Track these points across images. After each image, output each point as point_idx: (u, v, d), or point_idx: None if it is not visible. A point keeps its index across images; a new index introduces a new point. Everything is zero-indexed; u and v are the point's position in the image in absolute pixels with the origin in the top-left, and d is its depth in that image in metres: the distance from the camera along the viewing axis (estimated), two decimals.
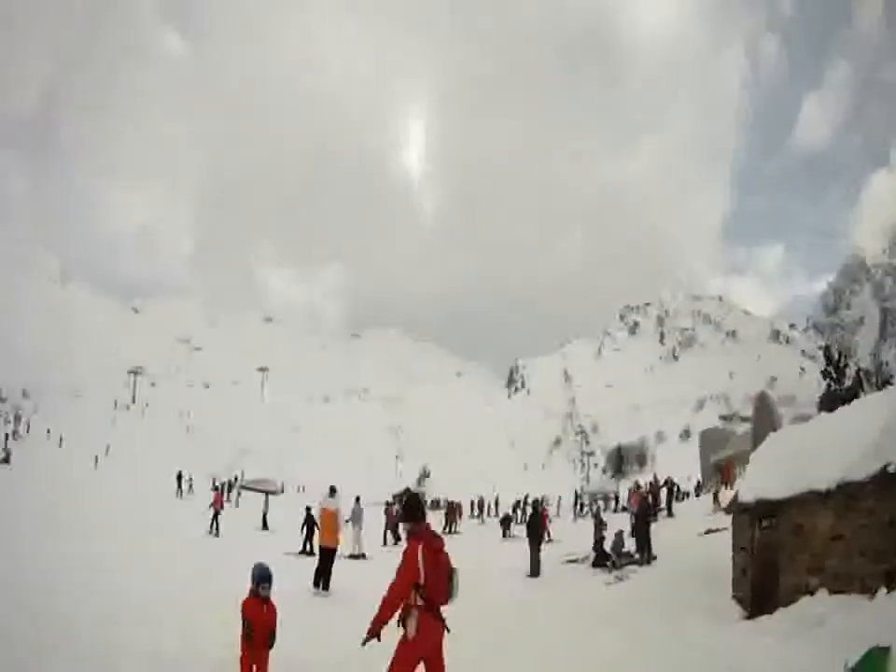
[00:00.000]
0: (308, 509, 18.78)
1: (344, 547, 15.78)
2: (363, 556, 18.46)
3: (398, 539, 22.99)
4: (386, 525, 24.73)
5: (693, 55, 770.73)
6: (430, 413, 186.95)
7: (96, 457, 47.22)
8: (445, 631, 4.74)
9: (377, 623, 4.55)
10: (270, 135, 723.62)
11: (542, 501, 36.90)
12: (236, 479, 52.21)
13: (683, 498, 34.29)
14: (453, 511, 32.29)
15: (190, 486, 36.25)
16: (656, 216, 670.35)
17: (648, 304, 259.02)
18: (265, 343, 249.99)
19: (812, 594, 8.59)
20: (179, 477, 35.72)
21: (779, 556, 9.60)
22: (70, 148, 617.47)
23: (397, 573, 4.65)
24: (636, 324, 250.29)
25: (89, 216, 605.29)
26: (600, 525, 18.91)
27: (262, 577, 5.55)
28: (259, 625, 5.40)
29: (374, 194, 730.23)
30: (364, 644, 4.47)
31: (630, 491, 30.10)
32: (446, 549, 4.88)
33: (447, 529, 29.25)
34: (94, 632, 7.13)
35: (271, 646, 5.53)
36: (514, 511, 36.15)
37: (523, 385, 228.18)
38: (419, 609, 4.54)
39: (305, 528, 18.16)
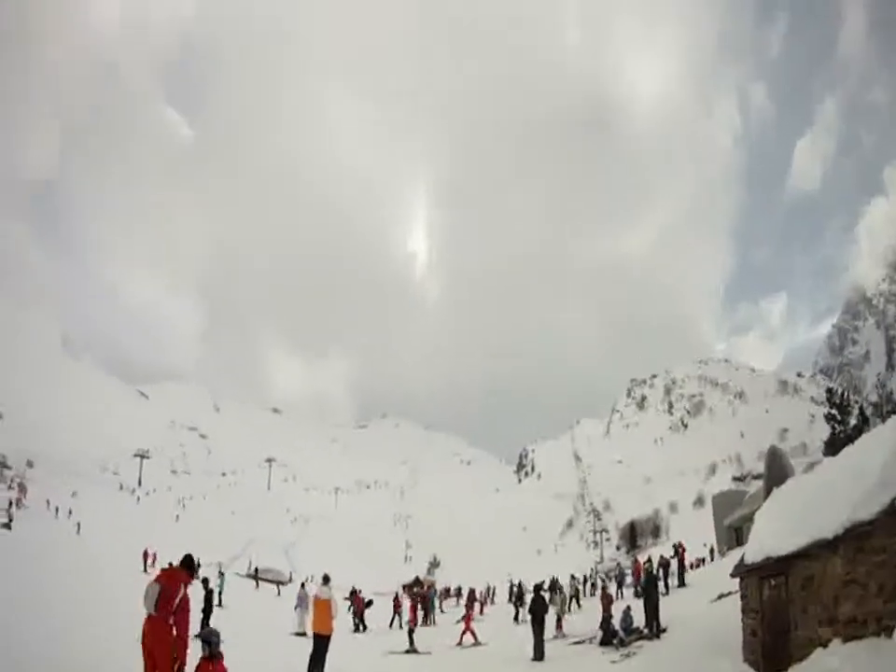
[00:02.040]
0: (302, 584, 21.60)
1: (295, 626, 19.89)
2: (304, 634, 19.34)
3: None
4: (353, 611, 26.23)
5: (686, 119, 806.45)
6: (439, 501, 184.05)
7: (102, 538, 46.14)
8: None
9: None
10: (277, 226, 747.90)
11: (554, 584, 35.68)
12: (256, 570, 51.08)
13: (699, 565, 33.14)
14: (472, 598, 33.05)
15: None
16: (660, 286, 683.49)
17: (654, 376, 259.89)
18: (272, 433, 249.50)
19: (825, 646, 8.04)
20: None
21: (790, 613, 9.10)
22: (82, 225, 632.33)
23: None
24: (643, 397, 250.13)
25: (98, 294, 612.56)
26: (607, 603, 18.50)
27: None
28: None
29: (379, 285, 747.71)
30: None
31: (633, 563, 29.35)
32: None
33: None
34: None
35: None
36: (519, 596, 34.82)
37: (532, 470, 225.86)
38: None
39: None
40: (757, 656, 9.78)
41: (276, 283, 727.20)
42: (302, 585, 23.78)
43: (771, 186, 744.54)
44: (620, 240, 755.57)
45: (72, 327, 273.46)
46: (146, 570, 32.91)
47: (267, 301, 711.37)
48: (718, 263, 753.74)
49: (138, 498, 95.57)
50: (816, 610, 8.50)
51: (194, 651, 6.80)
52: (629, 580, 32.04)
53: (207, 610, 17.70)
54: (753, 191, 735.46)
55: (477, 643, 19.49)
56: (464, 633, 20.40)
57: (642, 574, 28.47)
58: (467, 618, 21.64)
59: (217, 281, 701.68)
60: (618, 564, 48.17)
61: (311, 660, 12.30)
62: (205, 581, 18.95)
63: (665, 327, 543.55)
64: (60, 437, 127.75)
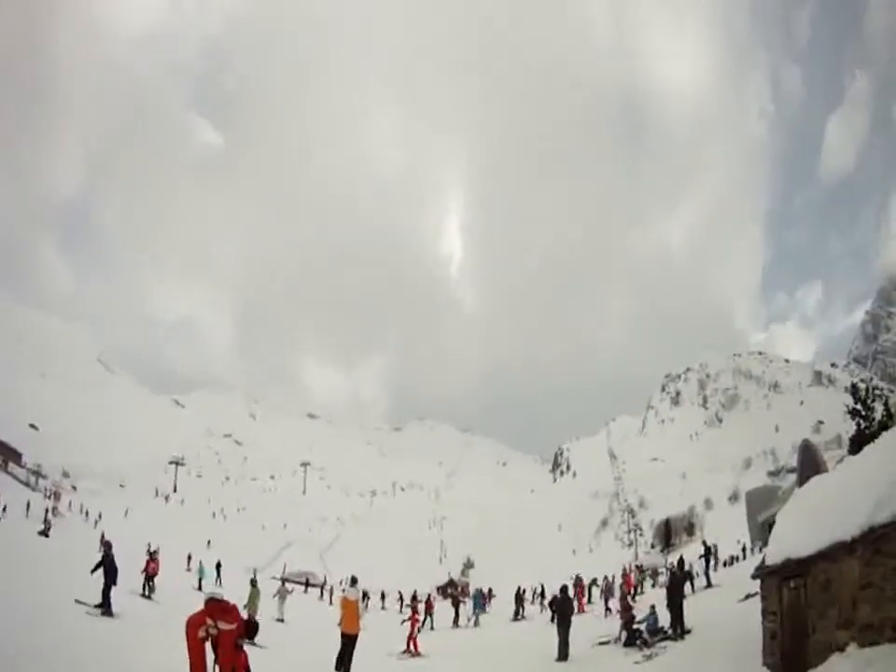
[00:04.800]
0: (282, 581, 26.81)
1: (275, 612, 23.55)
2: (282, 620, 23.04)
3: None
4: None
5: (718, 107, 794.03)
6: (474, 503, 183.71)
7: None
8: None
9: None
10: (311, 229, 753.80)
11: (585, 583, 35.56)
12: (283, 577, 51.70)
13: (732, 563, 32.78)
14: (520, 599, 32.84)
15: (218, 575, 34.63)
16: (695, 279, 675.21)
17: (688, 370, 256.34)
18: (308, 438, 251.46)
19: (842, 650, 7.93)
20: (218, 566, 34.93)
21: (809, 616, 8.99)
22: (113, 235, 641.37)
23: None
24: (678, 393, 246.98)
25: (132, 306, 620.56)
26: (628, 605, 18.42)
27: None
28: None
29: (414, 287, 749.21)
30: None
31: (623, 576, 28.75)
32: None
33: (518, 616, 31.05)
34: None
35: None
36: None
37: (568, 469, 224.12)
38: None
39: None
40: (776, 660, 9.70)
41: (309, 288, 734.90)
42: (283, 582, 29.04)
43: (805, 170, 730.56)
44: (653, 234, 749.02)
45: (106, 339, 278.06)
46: (188, 569, 34.87)
47: (300, 307, 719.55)
48: (753, 252, 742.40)
49: (172, 504, 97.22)
50: (834, 614, 8.38)
51: None
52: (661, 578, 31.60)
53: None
54: (788, 176, 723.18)
55: (417, 654, 17.67)
56: (409, 640, 18.32)
57: (632, 589, 28.37)
58: (412, 621, 18.85)
59: (250, 289, 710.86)
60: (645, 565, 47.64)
61: (338, 658, 12.86)
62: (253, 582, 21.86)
63: (700, 319, 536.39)
64: (94, 447, 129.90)
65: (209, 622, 7.26)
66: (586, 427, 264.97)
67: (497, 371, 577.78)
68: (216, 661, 7.37)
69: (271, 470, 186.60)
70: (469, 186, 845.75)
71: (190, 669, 7.19)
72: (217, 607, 7.40)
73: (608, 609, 26.36)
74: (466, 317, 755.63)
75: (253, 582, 21.76)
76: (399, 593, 44.97)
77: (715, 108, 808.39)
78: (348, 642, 12.95)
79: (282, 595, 25.28)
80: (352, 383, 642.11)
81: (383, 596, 44.85)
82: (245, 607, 18.77)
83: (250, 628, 7.97)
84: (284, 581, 36.68)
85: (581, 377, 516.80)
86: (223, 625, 7.31)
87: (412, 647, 18.03)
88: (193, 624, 7.25)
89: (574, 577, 32.56)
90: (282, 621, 22.90)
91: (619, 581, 32.56)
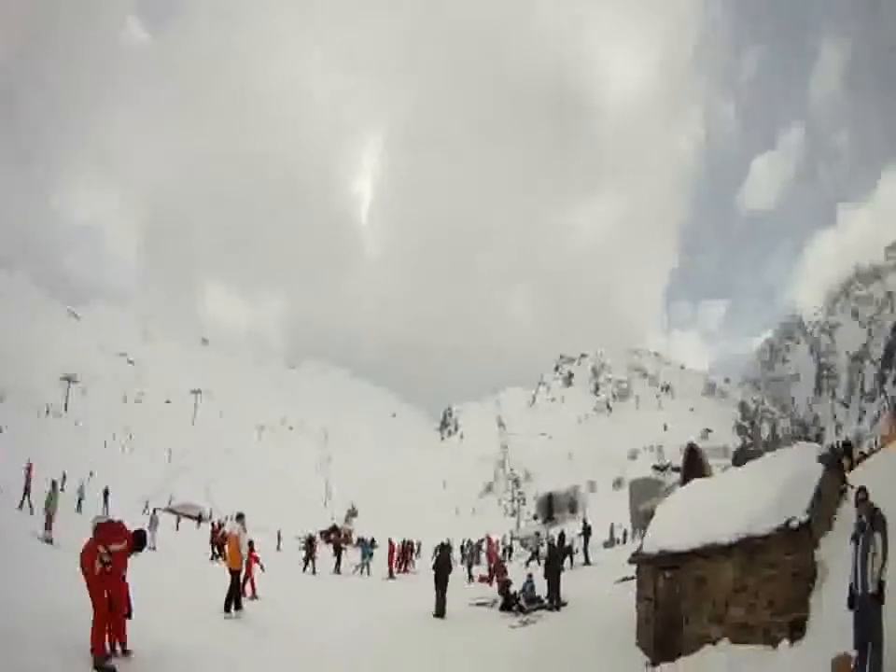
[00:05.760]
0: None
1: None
2: (154, 549, 21.88)
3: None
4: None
5: (652, 119, 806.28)
6: (363, 450, 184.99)
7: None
8: None
9: None
10: (228, 147, 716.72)
11: (479, 543, 36.74)
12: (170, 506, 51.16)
13: (613, 545, 34.69)
14: (406, 551, 31.93)
15: (105, 502, 33.72)
16: (602, 269, 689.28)
17: (584, 356, 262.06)
18: (201, 365, 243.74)
19: (715, 643, 8.76)
20: (106, 493, 34.04)
21: (682, 606, 9.78)
22: (31, 124, 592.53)
23: None
24: (570, 374, 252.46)
25: (40, 205, 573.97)
26: (503, 570, 19.47)
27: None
28: None
29: (322, 223, 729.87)
30: None
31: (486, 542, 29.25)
32: None
33: (401, 569, 29.63)
34: None
35: None
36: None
37: (456, 430, 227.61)
38: None
39: None
40: (649, 643, 10.49)
41: (218, 208, 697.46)
42: (154, 511, 28.79)
43: (725, 199, 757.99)
44: (567, 220, 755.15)
45: (7, 236, 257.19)
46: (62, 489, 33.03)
47: (208, 227, 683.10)
48: (662, 261, 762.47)
49: (64, 423, 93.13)
50: (708, 608, 9.20)
51: None
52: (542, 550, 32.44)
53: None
54: (707, 200, 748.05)
55: (255, 597, 15.42)
56: (245, 580, 14.98)
57: (496, 557, 28.93)
58: (249, 564, 15.45)
59: (159, 201, 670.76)
60: (537, 533, 49.55)
61: (227, 597, 12.63)
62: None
63: (602, 310, 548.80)
64: None
65: (101, 549, 7.22)
66: (476, 391, 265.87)
67: (395, 323, 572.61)
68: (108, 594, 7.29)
69: (164, 394, 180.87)
70: (390, 136, 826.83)
71: (93, 603, 7.14)
72: (106, 529, 7.45)
73: (470, 575, 26.32)
74: (369, 263, 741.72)
75: (54, 484, 21.16)
76: (278, 532, 43.74)
77: (647, 119, 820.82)
78: (232, 577, 12.72)
79: (154, 523, 25.15)
80: (250, 313, 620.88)
81: (279, 537, 41.96)
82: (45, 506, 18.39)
83: (140, 539, 7.86)
84: (176, 514, 36.05)
85: (476, 341, 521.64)
86: (115, 546, 7.31)
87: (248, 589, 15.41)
88: (88, 553, 7.22)
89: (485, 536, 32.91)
90: (153, 548, 22.76)
91: (485, 546, 33.65)
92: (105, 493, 33.62)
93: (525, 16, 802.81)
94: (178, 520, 42.39)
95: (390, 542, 30.12)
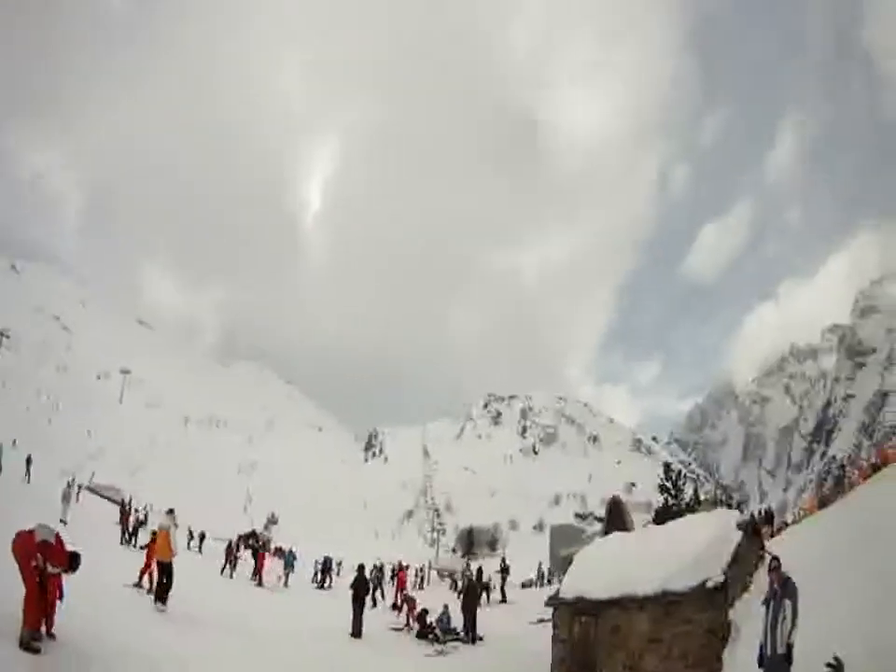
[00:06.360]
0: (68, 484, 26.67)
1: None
2: (65, 522, 21.31)
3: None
4: None
5: (608, 169, 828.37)
6: (287, 459, 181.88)
7: None
8: None
9: None
10: (181, 130, 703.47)
11: (394, 568, 36.61)
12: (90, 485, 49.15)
13: (531, 586, 35.20)
14: (327, 569, 31.44)
15: (27, 471, 32.75)
16: (541, 313, 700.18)
17: (513, 397, 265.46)
18: (133, 346, 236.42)
19: None
20: (28, 461, 33.00)
21: (597, 652, 10.18)
22: None
23: None
24: (499, 413, 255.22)
25: None
26: (412, 599, 19.56)
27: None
28: None
29: (268, 225, 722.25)
30: None
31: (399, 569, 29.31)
32: None
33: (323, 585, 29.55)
34: None
35: None
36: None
37: (380, 452, 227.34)
38: None
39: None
40: None
41: (169, 190, 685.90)
42: (69, 484, 27.37)
43: (671, 260, 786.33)
44: (517, 258, 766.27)
45: None
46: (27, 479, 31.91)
47: (156, 206, 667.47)
48: (602, 312, 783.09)
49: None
50: (622, 657, 9.66)
51: None
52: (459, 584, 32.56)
53: None
54: (653, 259, 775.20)
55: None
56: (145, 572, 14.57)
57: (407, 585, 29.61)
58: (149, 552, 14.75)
59: (112, 170, 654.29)
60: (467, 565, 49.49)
61: (157, 585, 13.10)
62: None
63: (535, 354, 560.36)
64: None
65: (39, 559, 7.40)
66: (404, 417, 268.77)
67: (330, 337, 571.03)
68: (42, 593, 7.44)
69: (95, 369, 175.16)
70: (345, 147, 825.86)
71: (27, 593, 7.27)
72: (49, 549, 7.57)
73: (374, 600, 25.00)
74: (311, 271, 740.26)
75: None
76: (202, 533, 42.21)
77: (604, 168, 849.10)
78: (162, 570, 13.16)
79: (66, 497, 25.21)
80: (188, 303, 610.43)
81: (202, 537, 37.86)
82: None
83: (73, 562, 7.97)
84: (93, 492, 35.19)
85: (408, 366, 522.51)
86: (51, 569, 7.50)
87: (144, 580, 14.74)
88: (25, 555, 7.37)
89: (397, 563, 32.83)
90: (64, 522, 22.42)
91: (389, 575, 33.11)
92: (28, 461, 32.76)
93: (495, 47, 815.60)
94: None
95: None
